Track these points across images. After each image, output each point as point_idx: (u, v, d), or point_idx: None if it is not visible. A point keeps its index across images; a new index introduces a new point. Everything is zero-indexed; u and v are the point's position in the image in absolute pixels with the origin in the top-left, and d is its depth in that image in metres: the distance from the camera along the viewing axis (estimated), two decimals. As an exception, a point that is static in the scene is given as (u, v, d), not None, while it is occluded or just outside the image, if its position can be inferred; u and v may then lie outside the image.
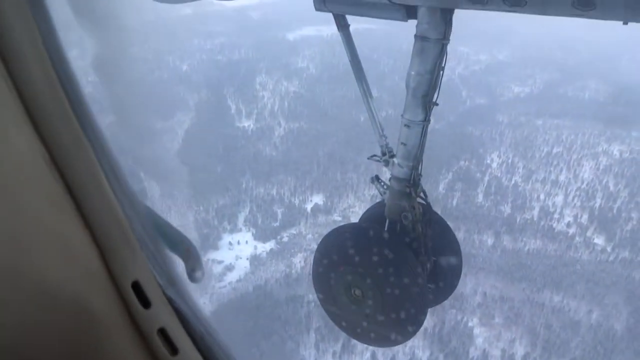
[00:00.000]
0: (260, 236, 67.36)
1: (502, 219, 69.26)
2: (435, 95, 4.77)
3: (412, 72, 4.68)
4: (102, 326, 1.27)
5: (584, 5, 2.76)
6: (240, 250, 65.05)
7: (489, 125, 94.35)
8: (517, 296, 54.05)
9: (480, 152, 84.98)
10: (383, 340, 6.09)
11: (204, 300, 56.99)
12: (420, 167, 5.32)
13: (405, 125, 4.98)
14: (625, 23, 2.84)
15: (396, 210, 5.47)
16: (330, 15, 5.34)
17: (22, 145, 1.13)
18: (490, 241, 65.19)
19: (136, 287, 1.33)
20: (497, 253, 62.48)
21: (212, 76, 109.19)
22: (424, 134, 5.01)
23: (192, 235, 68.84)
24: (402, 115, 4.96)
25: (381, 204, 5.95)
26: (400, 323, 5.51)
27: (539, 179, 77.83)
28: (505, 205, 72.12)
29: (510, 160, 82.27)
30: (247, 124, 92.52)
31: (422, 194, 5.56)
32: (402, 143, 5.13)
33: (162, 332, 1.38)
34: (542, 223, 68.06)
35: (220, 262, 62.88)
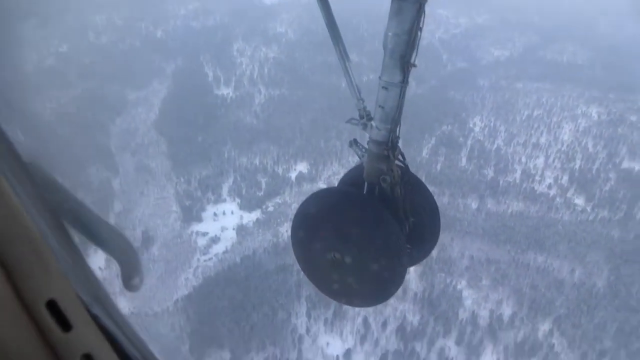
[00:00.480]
0: (246, 206, 66.55)
1: (486, 182, 69.85)
2: (414, 57, 4.59)
3: (390, 33, 4.55)
4: (14, 357, 1.10)
5: None
6: (225, 221, 64.21)
7: (470, 89, 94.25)
8: (503, 258, 55.00)
9: (462, 116, 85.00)
10: (366, 300, 6.32)
11: (188, 275, 56.48)
12: (398, 130, 5.20)
13: (382, 87, 4.86)
14: None
15: (375, 173, 5.47)
16: None
17: None
18: (474, 205, 65.82)
19: (52, 307, 1.16)
20: (481, 216, 63.21)
21: (187, 43, 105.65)
22: (402, 96, 4.90)
23: (174, 208, 67.75)
24: (379, 77, 4.82)
25: (360, 167, 5.91)
26: (381, 283, 5.66)
27: (521, 142, 78.51)
28: (488, 169, 72.65)
29: (492, 124, 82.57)
30: (226, 91, 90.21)
31: (400, 157, 5.49)
32: (379, 106, 5.03)
33: (87, 359, 1.21)
34: (524, 185, 68.93)
35: (204, 234, 62.03)
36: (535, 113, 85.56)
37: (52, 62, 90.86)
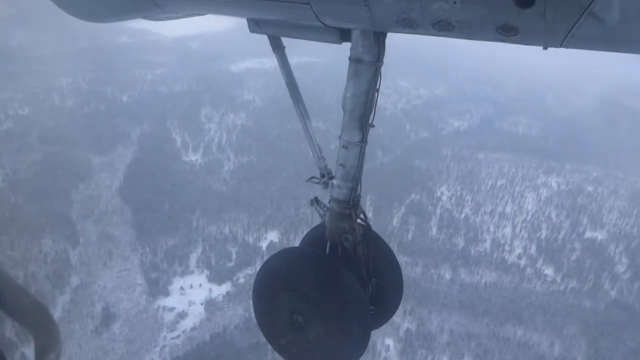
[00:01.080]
0: (215, 278, 63.49)
1: (457, 252, 70.18)
2: (371, 117, 4.77)
3: (348, 94, 4.71)
4: None
5: (507, 30, 2.90)
6: (193, 295, 60.74)
7: (434, 158, 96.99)
8: (483, 332, 54.17)
9: (429, 185, 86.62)
10: None
11: (153, 355, 52.23)
12: (359, 188, 5.25)
13: (343, 146, 4.97)
14: (545, 48, 3.05)
15: (337, 232, 5.41)
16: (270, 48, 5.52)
17: None
18: (447, 275, 65.56)
19: None
20: (456, 287, 62.81)
21: (154, 108, 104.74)
22: (362, 155, 4.99)
23: (139, 281, 63.81)
24: (339, 137, 4.96)
25: (321, 227, 5.85)
26: (344, 346, 5.44)
27: (487, 211, 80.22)
28: (459, 238, 73.28)
29: (459, 193, 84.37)
30: (195, 157, 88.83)
31: (362, 215, 5.49)
32: (340, 164, 5.10)
33: None
34: (495, 255, 69.64)
35: (171, 309, 58.22)
36: (498, 183, 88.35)
37: (10, 125, 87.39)
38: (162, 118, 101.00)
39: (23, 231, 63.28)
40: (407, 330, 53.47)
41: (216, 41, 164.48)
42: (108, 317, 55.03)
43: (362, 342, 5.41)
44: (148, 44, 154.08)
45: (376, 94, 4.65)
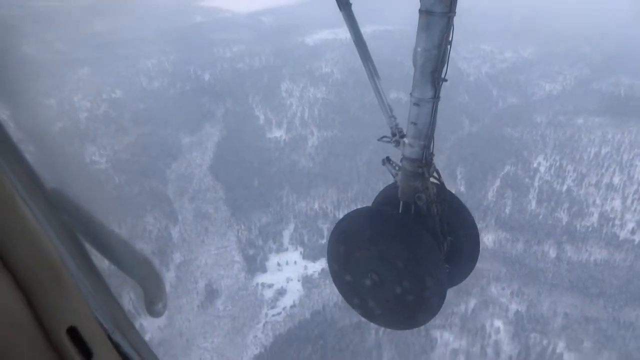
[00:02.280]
0: (309, 255, 63.75)
1: (561, 227, 65.61)
2: (444, 71, 4.60)
3: (419, 49, 4.56)
4: None
5: None
6: (290, 272, 61.44)
7: (527, 126, 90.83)
8: (601, 315, 50.31)
9: (525, 155, 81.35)
10: (405, 322, 6.11)
11: (257, 332, 53.53)
12: (432, 146, 5.13)
13: (414, 103, 4.84)
14: None
15: (409, 191, 5.36)
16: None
17: None
18: (553, 253, 61.52)
19: (74, 334, 1.15)
20: (564, 266, 58.78)
21: (235, 85, 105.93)
22: (434, 111, 4.87)
23: (236, 258, 65.52)
24: (410, 94, 4.85)
25: (394, 186, 5.86)
26: (420, 305, 5.50)
27: (592, 183, 74.13)
28: (562, 212, 68.42)
29: (558, 164, 78.56)
30: (279, 134, 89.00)
31: (435, 174, 5.39)
32: (412, 122, 4.98)
33: None
34: (604, 230, 64.38)
35: (270, 285, 59.28)
36: (603, 150, 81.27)
37: (106, 109, 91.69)
38: (243, 95, 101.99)
39: (128, 210, 66.64)
40: (517, 312, 50.81)
41: (287, 14, 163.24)
42: (211, 294, 56.94)
43: (438, 300, 5.40)
44: (221, 22, 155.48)
45: (449, 46, 4.49)
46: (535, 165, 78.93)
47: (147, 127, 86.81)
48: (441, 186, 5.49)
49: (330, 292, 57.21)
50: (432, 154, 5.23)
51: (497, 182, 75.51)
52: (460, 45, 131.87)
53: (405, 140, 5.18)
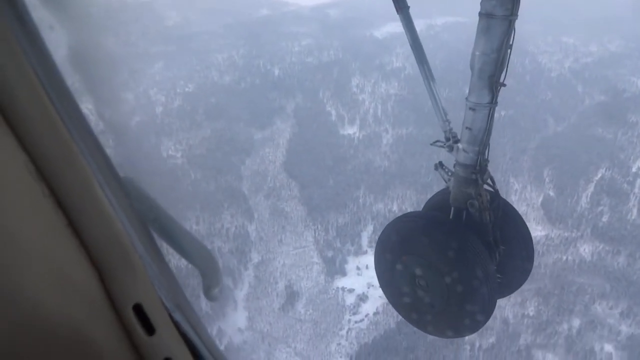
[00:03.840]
0: (390, 260, 61.04)
1: (670, 239, 59.45)
2: (503, 76, 4.55)
3: (477, 52, 4.56)
4: (102, 355, 1.19)
5: None
6: (370, 277, 58.79)
7: (621, 126, 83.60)
8: None
9: (621, 158, 74.79)
10: (450, 331, 5.88)
11: (340, 339, 51.53)
12: (487, 152, 5.04)
13: (470, 108, 4.80)
14: None
15: (462, 197, 5.33)
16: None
17: (1, 156, 1.02)
18: (662, 268, 55.76)
19: (139, 311, 1.25)
20: (678, 284, 53.07)
21: (305, 80, 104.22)
22: (490, 117, 4.78)
23: (315, 259, 63.83)
24: (466, 99, 4.78)
25: (446, 191, 5.83)
26: (468, 314, 5.32)
27: None
28: (670, 224, 62.10)
29: (661, 168, 71.67)
30: (352, 131, 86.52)
31: (489, 181, 5.31)
32: (466, 127, 4.94)
33: None
34: None
35: (351, 290, 57.16)
36: None
37: (180, 103, 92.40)
38: (314, 90, 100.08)
39: (205, 206, 66.36)
40: (631, 336, 46.01)
41: (353, 7, 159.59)
42: (292, 296, 55.53)
43: (487, 310, 5.33)
44: (288, 15, 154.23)
45: (509, 50, 4.49)
46: (634, 169, 72.31)
47: (220, 122, 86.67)
48: (495, 194, 5.37)
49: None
50: (487, 160, 5.12)
51: (591, 188, 69.74)
52: (538, 37, 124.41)
53: (460, 145, 5.14)
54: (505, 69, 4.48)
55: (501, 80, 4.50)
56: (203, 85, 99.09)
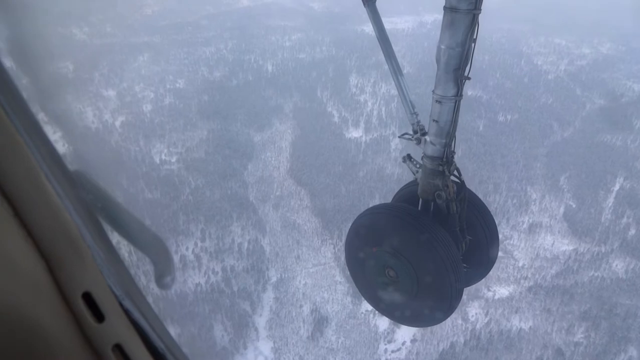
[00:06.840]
0: (417, 278, 56.77)
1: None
2: (468, 69, 4.53)
3: (442, 46, 4.52)
4: (51, 343, 1.19)
5: None
6: (399, 297, 54.58)
7: (630, 132, 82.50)
8: None
9: (638, 168, 73.29)
10: (419, 320, 6.10)
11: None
12: (453, 145, 5.07)
13: (436, 101, 4.79)
14: None
15: (429, 189, 5.36)
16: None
17: None
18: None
19: (88, 298, 1.27)
20: None
21: (300, 77, 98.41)
22: (456, 109, 4.80)
23: (337, 278, 58.68)
24: (433, 91, 4.79)
25: (414, 183, 5.82)
26: (436, 303, 5.45)
27: None
28: (699, 237, 60.59)
29: (682, 179, 70.50)
30: (358, 134, 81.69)
31: (455, 172, 5.35)
32: (433, 120, 4.96)
33: (118, 348, 1.30)
34: None
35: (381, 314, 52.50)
36: None
37: (170, 100, 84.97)
38: (310, 89, 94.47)
39: (211, 218, 60.18)
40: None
41: (336, 1, 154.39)
42: (320, 322, 50.32)
43: (454, 299, 5.35)
44: (269, 7, 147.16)
45: (473, 44, 4.38)
46: (653, 179, 70.93)
47: (216, 121, 79.97)
48: (461, 185, 5.32)
49: (453, 326, 50.36)
50: (453, 152, 5.11)
51: (611, 199, 67.76)
52: (530, 37, 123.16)
53: (427, 138, 5.13)
54: (470, 63, 4.32)
55: (466, 73, 4.40)
56: (194, 80, 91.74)
